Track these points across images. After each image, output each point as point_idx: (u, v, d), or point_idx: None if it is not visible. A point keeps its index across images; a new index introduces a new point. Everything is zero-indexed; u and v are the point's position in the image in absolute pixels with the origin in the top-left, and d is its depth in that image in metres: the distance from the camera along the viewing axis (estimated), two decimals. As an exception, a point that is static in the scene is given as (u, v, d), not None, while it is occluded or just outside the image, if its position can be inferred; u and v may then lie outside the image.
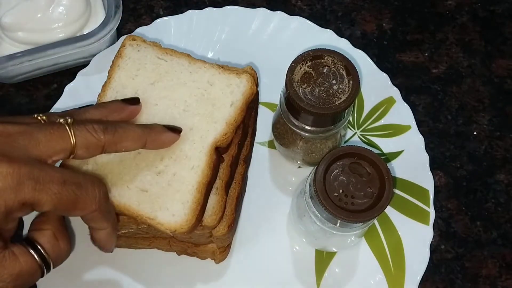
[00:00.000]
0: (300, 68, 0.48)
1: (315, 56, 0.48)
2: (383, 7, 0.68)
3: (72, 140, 0.38)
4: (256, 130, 0.58)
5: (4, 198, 0.33)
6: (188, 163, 0.45)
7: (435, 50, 0.65)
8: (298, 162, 0.57)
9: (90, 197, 0.38)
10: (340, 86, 0.48)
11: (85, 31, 0.59)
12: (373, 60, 0.61)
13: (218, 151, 0.47)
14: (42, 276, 0.38)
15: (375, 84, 0.60)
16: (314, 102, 0.47)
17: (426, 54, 0.65)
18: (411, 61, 0.65)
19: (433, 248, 0.55)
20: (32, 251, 0.37)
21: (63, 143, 0.37)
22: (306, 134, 0.50)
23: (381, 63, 0.62)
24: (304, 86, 0.47)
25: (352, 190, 0.45)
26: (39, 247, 0.38)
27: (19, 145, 0.35)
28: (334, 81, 0.48)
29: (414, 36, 0.66)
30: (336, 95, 0.47)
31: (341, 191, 0.45)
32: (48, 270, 0.38)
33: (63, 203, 0.36)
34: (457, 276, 0.55)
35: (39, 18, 0.57)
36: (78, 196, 0.37)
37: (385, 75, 0.60)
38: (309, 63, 0.48)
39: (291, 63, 0.48)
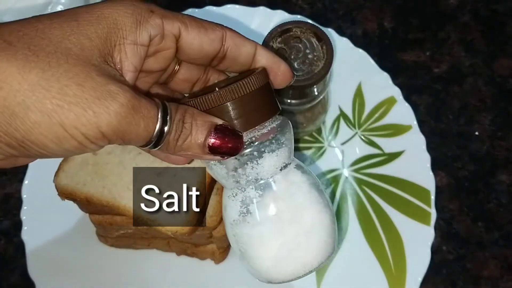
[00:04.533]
0: (272, 46, 0.48)
1: (283, 30, 0.49)
2: (384, 6, 0.67)
3: None
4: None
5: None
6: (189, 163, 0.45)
7: (437, 50, 0.65)
8: None
9: None
10: (315, 54, 0.48)
11: (84, 30, 0.58)
12: (374, 59, 0.61)
13: (219, 151, 0.47)
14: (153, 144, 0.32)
15: (376, 83, 0.60)
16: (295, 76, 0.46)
17: (428, 54, 0.65)
18: (412, 61, 0.64)
19: (435, 249, 0.55)
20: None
21: None
22: (291, 107, 0.51)
23: (382, 62, 0.62)
24: None
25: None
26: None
27: None
28: (308, 51, 0.48)
29: (415, 35, 0.66)
30: (313, 63, 0.48)
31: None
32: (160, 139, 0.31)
33: None
34: (459, 277, 0.55)
35: (38, 17, 0.57)
36: None
37: (386, 74, 0.60)
38: (279, 39, 0.48)
39: (262, 44, 0.47)
